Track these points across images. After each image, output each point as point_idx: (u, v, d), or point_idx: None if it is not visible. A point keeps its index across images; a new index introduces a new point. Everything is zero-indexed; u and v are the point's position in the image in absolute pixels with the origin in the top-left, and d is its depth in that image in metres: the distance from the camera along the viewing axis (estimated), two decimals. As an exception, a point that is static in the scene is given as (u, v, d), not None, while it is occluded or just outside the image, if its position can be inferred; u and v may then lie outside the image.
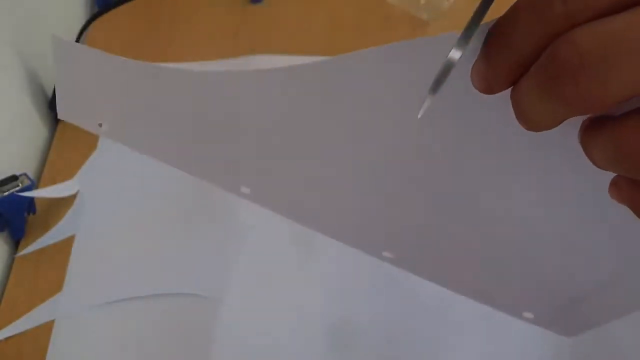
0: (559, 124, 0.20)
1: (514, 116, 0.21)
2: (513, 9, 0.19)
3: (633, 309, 0.32)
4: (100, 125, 0.33)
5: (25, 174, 0.50)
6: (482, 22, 0.20)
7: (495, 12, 0.21)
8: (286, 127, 0.30)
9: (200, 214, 0.51)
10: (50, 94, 0.59)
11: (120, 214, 0.51)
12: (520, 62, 0.19)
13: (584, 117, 0.21)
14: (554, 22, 0.18)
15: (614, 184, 0.21)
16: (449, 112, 0.25)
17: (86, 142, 0.56)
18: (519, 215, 0.29)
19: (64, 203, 0.52)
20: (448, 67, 0.20)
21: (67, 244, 0.50)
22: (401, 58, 0.24)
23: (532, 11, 0.18)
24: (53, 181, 0.53)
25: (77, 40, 0.59)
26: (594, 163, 0.20)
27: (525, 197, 0.28)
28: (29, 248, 0.49)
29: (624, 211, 0.21)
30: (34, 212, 0.51)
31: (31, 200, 0.50)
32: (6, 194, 0.49)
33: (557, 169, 0.26)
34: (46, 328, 0.45)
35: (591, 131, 0.20)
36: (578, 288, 0.32)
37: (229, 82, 0.29)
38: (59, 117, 0.33)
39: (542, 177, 0.27)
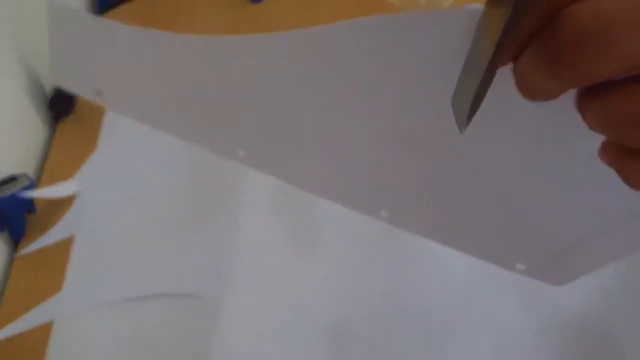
0: (559, 95, 0.20)
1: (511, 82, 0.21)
2: None
3: (621, 254, 0.33)
4: (98, 93, 0.33)
5: (25, 174, 0.50)
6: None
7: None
8: (284, 90, 0.30)
9: (200, 214, 0.51)
10: (50, 94, 0.59)
11: (120, 214, 0.51)
12: (523, 36, 0.20)
13: None
14: None
15: (603, 147, 0.21)
16: (445, 84, 0.25)
17: (86, 142, 0.56)
18: (510, 170, 0.30)
19: (64, 203, 0.52)
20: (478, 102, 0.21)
21: (67, 244, 0.50)
22: (410, 28, 0.24)
23: None
24: (53, 181, 0.53)
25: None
26: (588, 126, 0.20)
27: (515, 154, 0.29)
28: (29, 248, 0.49)
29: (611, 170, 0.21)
30: (34, 212, 0.51)
31: (31, 200, 0.50)
32: (6, 194, 0.49)
33: (546, 125, 0.26)
34: (46, 328, 0.45)
35: (587, 95, 0.20)
36: (569, 237, 0.33)
37: (229, 47, 0.29)
38: (55, 83, 0.32)
39: (532, 135, 0.27)
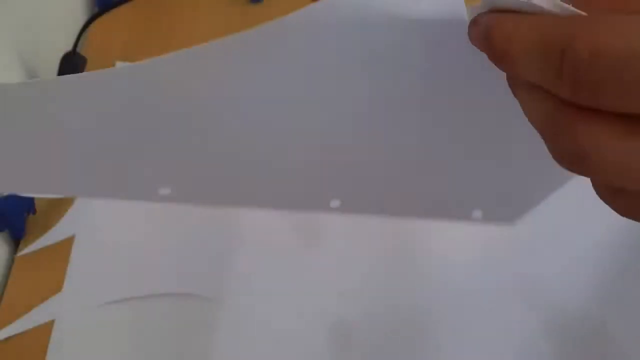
0: None
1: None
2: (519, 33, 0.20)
3: (555, 188, 0.35)
4: None
5: (25, 174, 0.50)
6: None
7: None
8: (208, 103, 0.29)
9: (200, 213, 0.51)
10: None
11: (120, 214, 0.51)
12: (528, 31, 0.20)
13: None
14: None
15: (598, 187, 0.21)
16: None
17: (86, 142, 0.56)
18: (451, 132, 0.31)
19: (64, 203, 0.52)
20: None
21: (67, 244, 0.50)
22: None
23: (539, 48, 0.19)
24: (53, 181, 0.53)
25: (77, 40, 0.59)
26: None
27: (454, 117, 0.30)
28: (29, 248, 0.49)
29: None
30: (34, 212, 0.51)
31: (31, 200, 0.50)
32: (6, 194, 0.48)
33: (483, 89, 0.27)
34: (46, 328, 0.45)
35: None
36: (511, 179, 0.35)
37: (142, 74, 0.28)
38: None
39: (466, 97, 0.28)
